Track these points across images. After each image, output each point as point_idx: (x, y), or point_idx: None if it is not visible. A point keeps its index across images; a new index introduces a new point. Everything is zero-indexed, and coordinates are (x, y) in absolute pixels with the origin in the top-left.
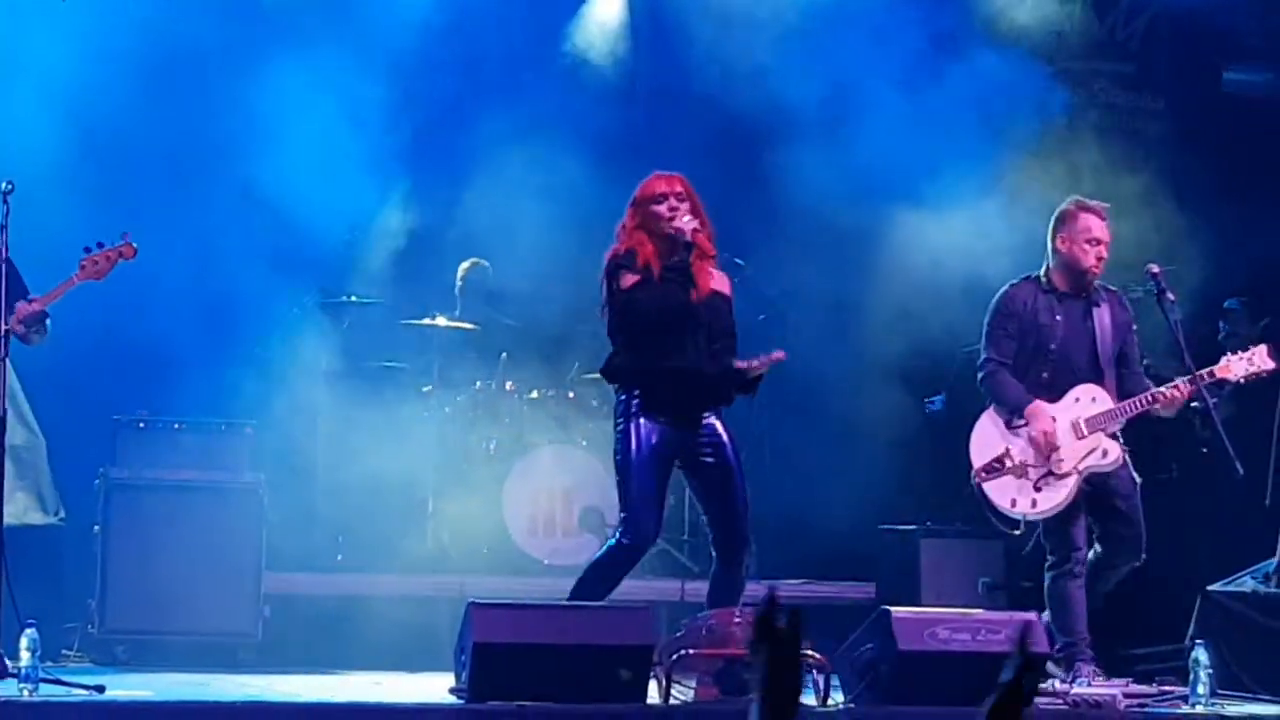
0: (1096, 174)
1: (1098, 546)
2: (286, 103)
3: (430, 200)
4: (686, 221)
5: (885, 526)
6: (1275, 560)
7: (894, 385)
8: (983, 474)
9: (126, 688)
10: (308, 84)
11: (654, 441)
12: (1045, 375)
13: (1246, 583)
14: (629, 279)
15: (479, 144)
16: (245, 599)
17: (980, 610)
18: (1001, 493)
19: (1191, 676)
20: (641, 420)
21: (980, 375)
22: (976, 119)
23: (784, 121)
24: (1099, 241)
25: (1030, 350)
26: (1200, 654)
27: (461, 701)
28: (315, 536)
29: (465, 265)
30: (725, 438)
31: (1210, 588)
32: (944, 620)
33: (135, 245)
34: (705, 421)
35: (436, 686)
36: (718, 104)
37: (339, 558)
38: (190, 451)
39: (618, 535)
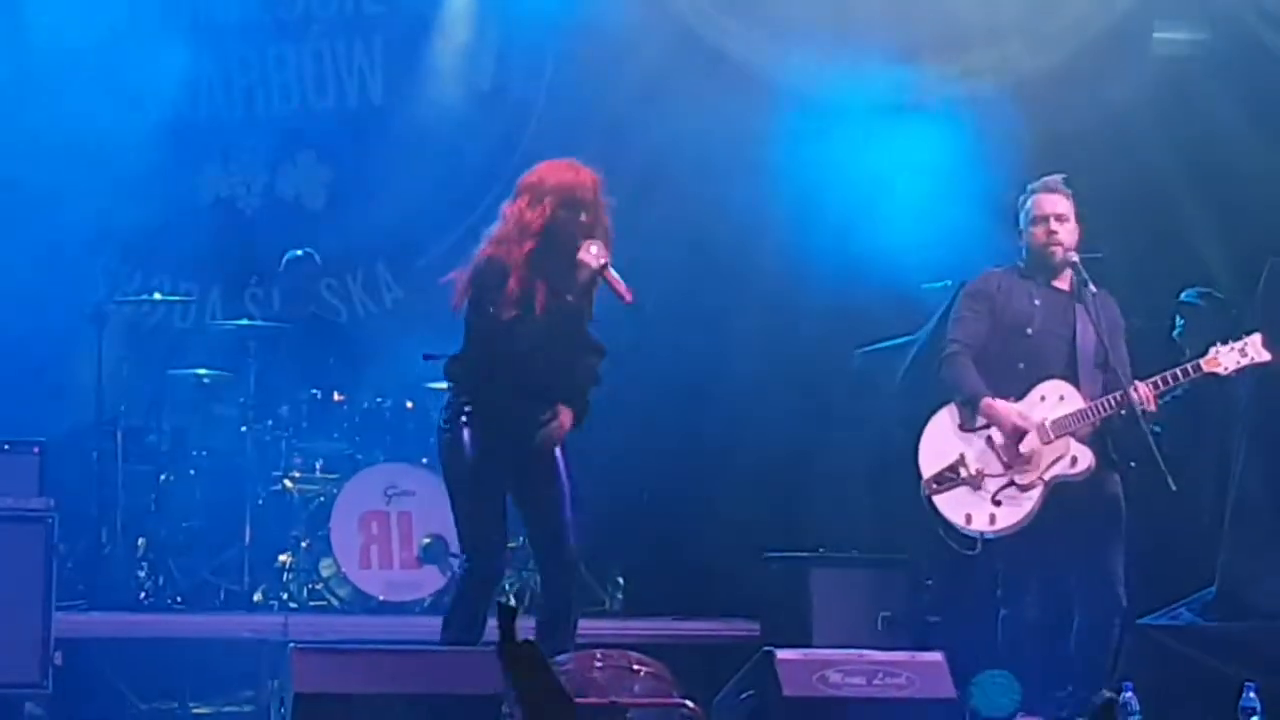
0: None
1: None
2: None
3: (249, 177)
4: (596, 254)
5: (770, 554)
6: (1215, 589)
7: (777, 394)
8: (933, 485)
9: None
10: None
11: (482, 449)
12: (1021, 365)
13: (1182, 615)
14: (509, 310)
15: (306, 114)
16: (32, 644)
17: (878, 651)
18: (955, 507)
19: None
20: (467, 428)
21: (940, 359)
22: None
23: None
24: (1048, 217)
25: (1005, 334)
26: (1128, 698)
27: None
28: (114, 571)
29: (288, 256)
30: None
31: (1141, 620)
32: (836, 662)
33: None
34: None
35: None
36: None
37: (142, 595)
38: None
39: (461, 560)
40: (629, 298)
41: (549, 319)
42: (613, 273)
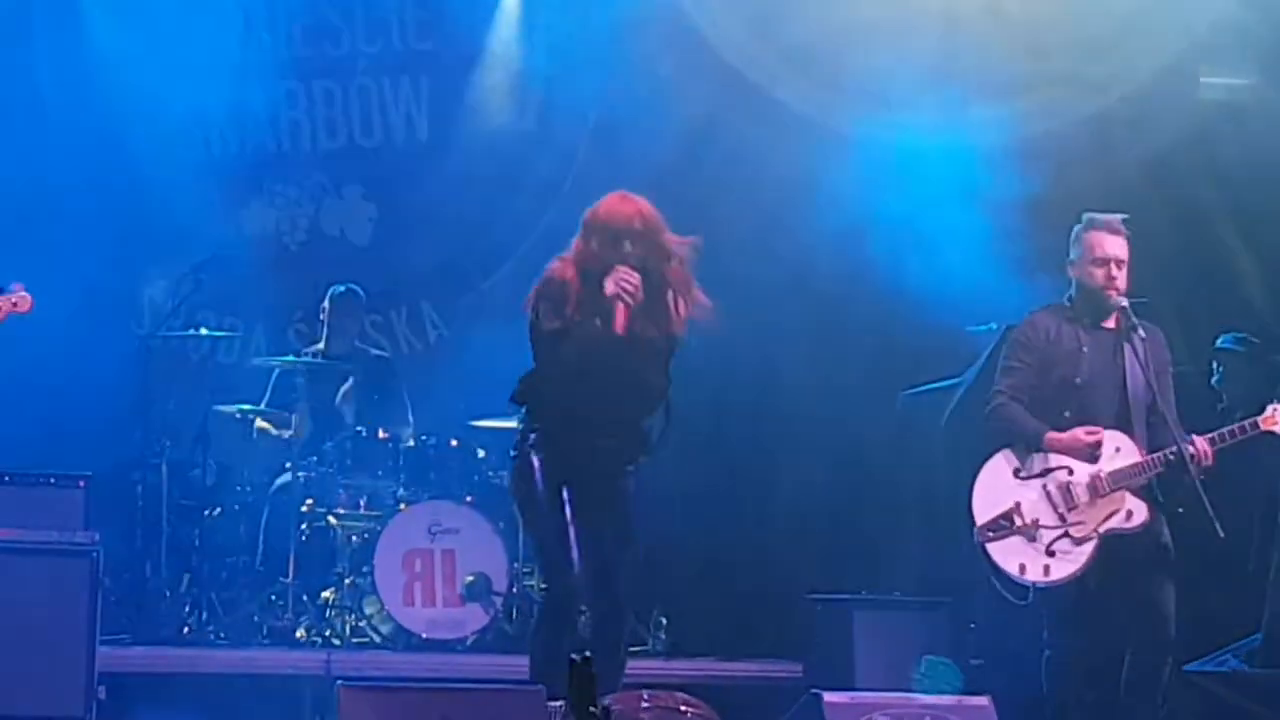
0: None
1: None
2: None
3: (294, 213)
4: (615, 282)
5: (814, 595)
6: (1261, 635)
7: (821, 435)
8: (987, 532)
9: None
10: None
11: (547, 474)
12: (1068, 414)
13: (1228, 661)
14: (551, 321)
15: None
16: (76, 677)
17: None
18: (1008, 556)
19: None
20: (533, 453)
21: (988, 410)
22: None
23: None
24: (1108, 260)
25: (1054, 384)
26: None
27: None
28: (158, 606)
29: (332, 291)
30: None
31: (1187, 666)
32: (884, 705)
33: (30, 296)
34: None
35: None
36: None
37: (185, 630)
38: (13, 507)
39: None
40: (620, 330)
41: (591, 343)
42: (620, 304)
